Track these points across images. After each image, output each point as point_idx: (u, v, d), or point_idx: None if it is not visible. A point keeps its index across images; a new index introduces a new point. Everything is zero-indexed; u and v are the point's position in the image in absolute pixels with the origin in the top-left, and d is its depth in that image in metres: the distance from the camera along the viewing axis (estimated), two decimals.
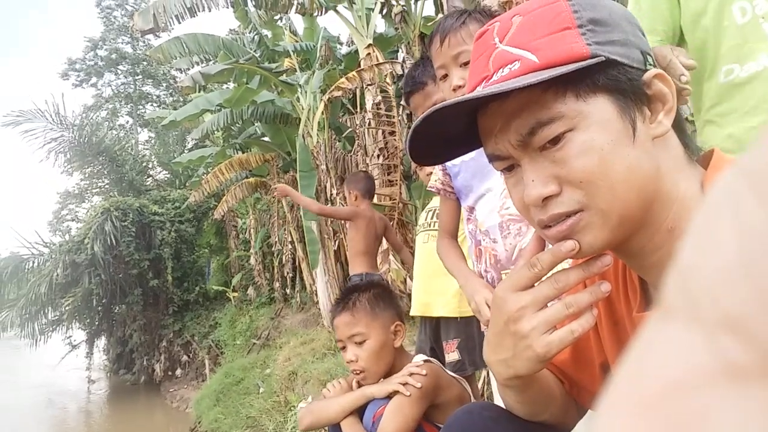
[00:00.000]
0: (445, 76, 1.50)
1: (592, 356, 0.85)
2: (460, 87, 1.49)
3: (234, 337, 10.01)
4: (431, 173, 1.96)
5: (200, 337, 11.40)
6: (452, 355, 2.31)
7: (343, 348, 1.69)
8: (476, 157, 1.47)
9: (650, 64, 0.65)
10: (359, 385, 1.70)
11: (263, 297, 10.23)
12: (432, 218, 2.50)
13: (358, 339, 1.64)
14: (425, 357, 1.69)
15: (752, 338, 0.19)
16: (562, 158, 0.62)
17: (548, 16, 0.64)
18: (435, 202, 2.59)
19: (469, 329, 2.27)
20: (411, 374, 1.58)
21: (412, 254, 2.95)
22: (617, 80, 0.62)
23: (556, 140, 0.62)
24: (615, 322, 0.80)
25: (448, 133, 0.73)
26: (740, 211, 0.20)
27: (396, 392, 1.57)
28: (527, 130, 0.63)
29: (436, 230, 2.45)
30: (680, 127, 0.68)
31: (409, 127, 6.77)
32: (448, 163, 1.59)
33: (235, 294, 11.00)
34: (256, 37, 8.42)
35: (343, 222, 6.77)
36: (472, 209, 1.52)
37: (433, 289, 2.40)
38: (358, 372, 1.66)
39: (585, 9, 0.64)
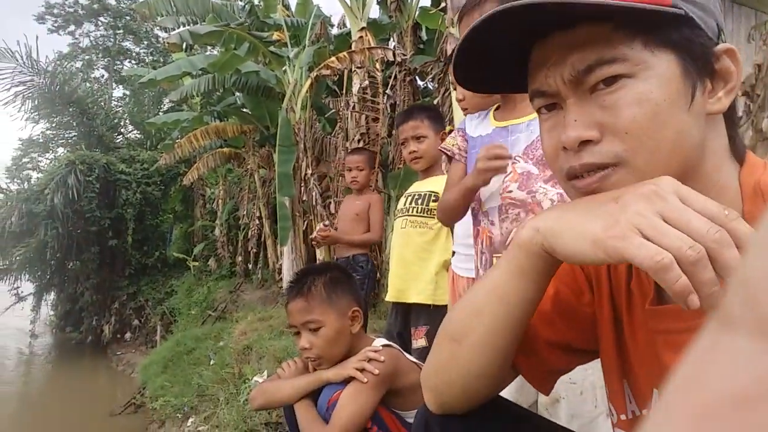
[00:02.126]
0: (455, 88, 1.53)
1: (566, 328, 0.80)
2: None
3: (189, 306, 9.86)
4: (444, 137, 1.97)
5: (154, 302, 11.19)
6: (420, 342, 2.33)
7: (297, 333, 1.62)
8: (492, 134, 1.49)
9: (722, 39, 0.63)
10: (314, 368, 1.64)
11: (224, 269, 10.10)
12: (411, 203, 2.51)
13: (312, 326, 1.57)
14: (384, 341, 1.65)
15: None
16: (613, 103, 0.59)
17: None
18: (415, 187, 2.60)
19: (440, 318, 2.28)
20: (369, 360, 1.53)
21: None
22: (689, 41, 0.59)
23: (610, 82, 0.59)
24: (614, 317, 0.76)
25: (495, 59, 0.68)
26: None
27: (353, 378, 1.52)
28: (585, 66, 0.60)
29: (415, 215, 2.47)
30: (731, 118, 0.66)
31: (392, 117, 6.77)
32: (468, 132, 1.60)
33: (196, 263, 10.82)
34: (247, 5, 8.25)
35: (322, 205, 6.74)
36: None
37: (409, 275, 2.42)
38: (312, 359, 1.60)
39: None
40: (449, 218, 1.65)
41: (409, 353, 1.90)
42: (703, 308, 0.50)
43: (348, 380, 1.53)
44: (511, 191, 1.40)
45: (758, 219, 0.58)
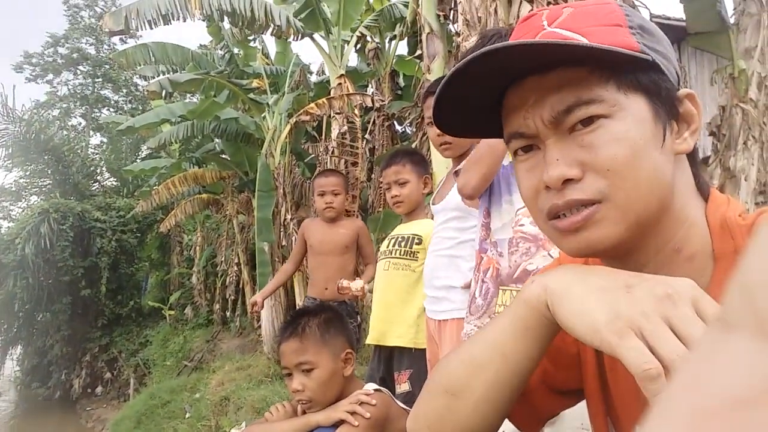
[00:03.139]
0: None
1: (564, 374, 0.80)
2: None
3: (164, 357, 9.55)
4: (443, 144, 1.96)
5: (128, 354, 10.81)
6: (403, 386, 2.27)
7: (289, 375, 1.59)
8: (507, 167, 1.51)
9: (681, 85, 0.67)
10: (304, 411, 1.61)
11: (201, 318, 9.86)
12: (395, 245, 2.51)
13: (305, 367, 1.54)
14: (375, 386, 1.62)
15: None
16: (592, 143, 0.61)
17: (601, 12, 0.64)
18: (398, 230, 2.61)
19: (422, 362, 2.24)
20: (360, 403, 1.50)
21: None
22: (657, 85, 0.63)
23: (587, 122, 0.61)
24: (597, 355, 0.76)
25: (470, 104, 0.70)
26: None
27: (343, 421, 1.49)
28: (564, 107, 0.62)
29: (397, 258, 2.46)
30: (694, 157, 0.69)
31: (371, 161, 6.84)
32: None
33: (172, 312, 10.55)
34: (227, 54, 8.39)
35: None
36: (488, 213, 1.52)
37: (391, 318, 2.38)
38: (304, 402, 1.56)
39: (635, 16, 0.66)
40: (489, 182, 1.53)
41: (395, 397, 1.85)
42: None
43: (338, 424, 1.50)
44: (523, 225, 1.41)
45: (728, 254, 0.62)
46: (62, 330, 11.30)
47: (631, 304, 0.53)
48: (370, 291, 2.80)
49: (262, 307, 3.34)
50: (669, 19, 6.71)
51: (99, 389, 11.04)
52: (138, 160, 12.68)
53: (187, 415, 6.35)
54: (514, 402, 0.71)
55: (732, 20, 4.60)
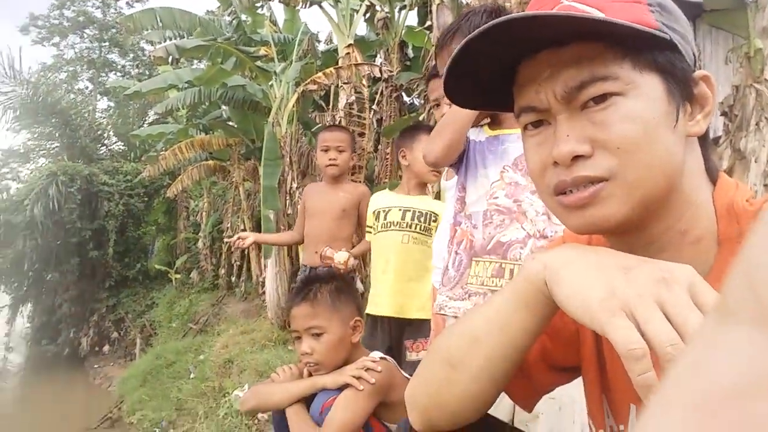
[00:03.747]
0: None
1: (563, 348, 0.80)
2: None
3: (170, 319, 9.75)
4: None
5: (135, 315, 11.03)
6: (421, 354, 2.33)
7: (298, 338, 1.65)
8: (485, 142, 1.53)
9: (698, 66, 0.66)
10: (310, 374, 1.67)
11: (206, 282, 10.01)
12: (413, 220, 2.51)
13: (315, 331, 1.60)
14: (381, 354, 1.67)
15: None
16: (604, 120, 0.61)
17: None
18: (408, 201, 2.58)
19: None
20: (366, 369, 1.55)
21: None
22: (673, 65, 0.62)
23: (600, 99, 0.61)
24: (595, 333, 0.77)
25: (482, 77, 0.69)
26: None
27: (348, 385, 1.54)
28: (578, 83, 0.61)
29: (417, 233, 2.50)
30: (705, 141, 0.69)
31: (378, 132, 6.84)
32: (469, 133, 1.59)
33: (178, 276, 10.71)
34: (234, 21, 8.32)
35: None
36: (464, 187, 1.53)
37: (410, 291, 2.43)
38: (312, 365, 1.62)
39: None
40: (455, 151, 1.53)
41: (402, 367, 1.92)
42: None
43: (342, 388, 1.55)
44: (497, 198, 1.42)
45: (732, 238, 0.63)
46: (70, 290, 11.51)
47: (626, 285, 0.53)
48: (354, 267, 2.74)
49: (247, 245, 3.13)
50: None
51: (106, 348, 11.30)
52: (145, 125, 12.71)
53: (192, 376, 6.53)
54: (510, 375, 0.71)
55: None
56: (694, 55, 0.66)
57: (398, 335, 2.47)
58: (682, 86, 0.63)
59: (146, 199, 11.89)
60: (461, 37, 1.44)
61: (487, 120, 1.63)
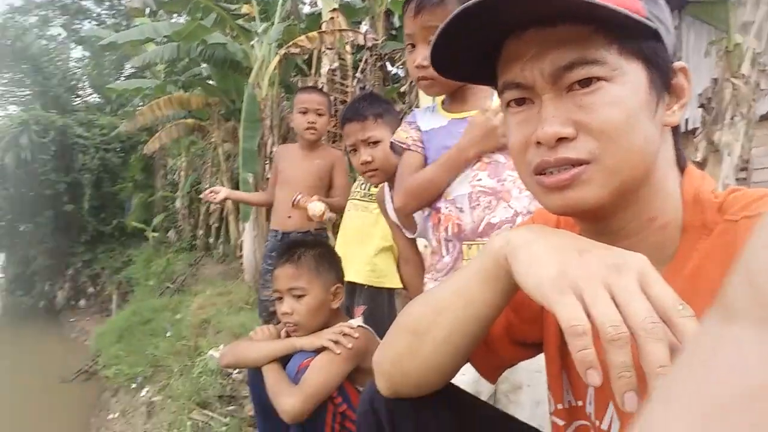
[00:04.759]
0: (412, 46, 1.47)
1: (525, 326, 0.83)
2: (423, 67, 1.42)
3: (147, 277, 9.78)
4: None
5: (111, 271, 11.03)
6: (357, 321, 2.42)
7: (279, 299, 1.69)
8: (448, 126, 1.49)
9: (677, 58, 0.67)
10: (287, 336, 1.71)
11: (184, 242, 10.02)
12: (358, 188, 2.53)
13: (297, 293, 1.65)
14: (359, 322, 1.72)
15: None
16: (590, 104, 0.62)
17: None
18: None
19: (379, 300, 2.34)
20: (343, 334, 1.60)
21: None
22: (656, 55, 0.63)
23: (586, 83, 0.62)
24: None
25: (468, 51, 0.70)
26: None
27: (325, 348, 1.59)
28: (565, 63, 0.62)
29: (357, 200, 2.50)
30: (676, 131, 0.71)
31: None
32: (421, 125, 1.56)
33: (155, 234, 10.69)
34: None
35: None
36: None
37: (350, 256, 2.39)
38: (291, 325, 1.67)
39: None
40: (424, 201, 1.50)
41: None
42: (607, 386, 0.51)
43: (319, 351, 1.60)
44: (480, 179, 1.41)
45: (697, 227, 0.65)
46: (45, 242, 11.43)
47: (579, 267, 0.55)
48: (330, 220, 2.65)
49: (219, 200, 3.08)
50: None
51: (82, 302, 11.34)
52: (122, 79, 12.38)
53: (168, 334, 6.63)
54: (473, 347, 0.74)
55: None
56: (674, 46, 0.67)
57: (349, 300, 2.44)
58: (663, 76, 0.65)
59: (123, 154, 11.72)
60: (430, 10, 1.40)
61: (432, 104, 1.60)
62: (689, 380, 0.21)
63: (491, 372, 0.89)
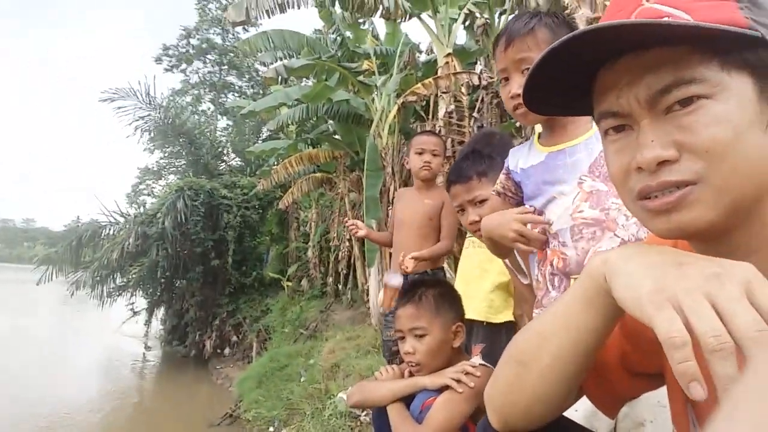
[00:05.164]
0: (506, 79, 1.47)
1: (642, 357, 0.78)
2: (518, 95, 1.42)
3: (283, 324, 10.28)
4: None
5: (251, 320, 11.77)
6: (477, 359, 2.32)
7: (402, 338, 1.72)
8: (545, 161, 1.47)
9: None
10: (411, 375, 1.73)
11: (316, 290, 10.45)
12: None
13: (418, 332, 1.67)
14: (481, 360, 1.70)
15: None
16: (691, 124, 0.59)
17: None
18: None
19: (496, 337, 2.27)
20: (466, 373, 1.59)
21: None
22: (765, 63, 0.59)
23: (686, 102, 0.59)
24: None
25: (561, 84, 0.69)
26: None
27: (447, 387, 1.58)
28: (662, 87, 0.59)
29: (474, 235, 2.46)
30: None
31: None
32: (512, 168, 1.56)
33: (289, 283, 11.29)
34: (338, 37, 8.69)
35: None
36: (541, 212, 1.47)
37: (469, 293, 2.41)
38: (413, 365, 1.69)
39: None
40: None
41: None
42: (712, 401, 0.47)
43: (442, 390, 1.60)
44: (582, 211, 1.36)
45: None
46: (196, 295, 12.54)
47: (677, 279, 0.53)
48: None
49: (359, 235, 3.21)
50: None
51: (227, 350, 12.15)
52: (259, 141, 13.61)
53: (302, 379, 6.83)
54: (580, 375, 0.71)
55: None
56: None
57: (468, 338, 2.43)
58: None
59: (260, 210, 12.69)
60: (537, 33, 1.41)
61: (527, 141, 1.58)
62: (750, 397, 0.20)
63: (609, 405, 0.84)
